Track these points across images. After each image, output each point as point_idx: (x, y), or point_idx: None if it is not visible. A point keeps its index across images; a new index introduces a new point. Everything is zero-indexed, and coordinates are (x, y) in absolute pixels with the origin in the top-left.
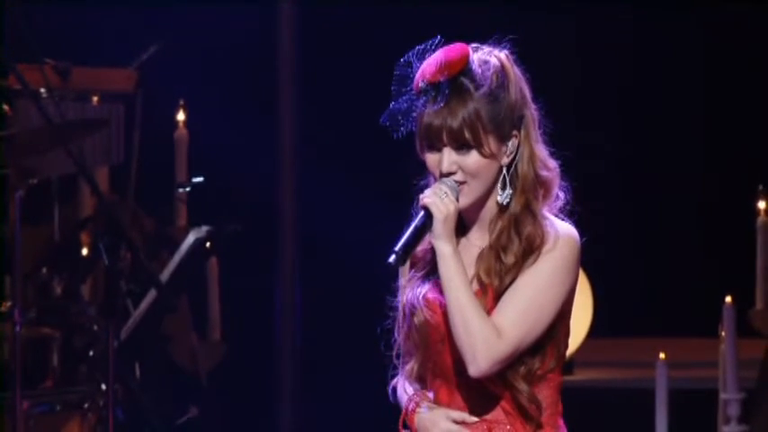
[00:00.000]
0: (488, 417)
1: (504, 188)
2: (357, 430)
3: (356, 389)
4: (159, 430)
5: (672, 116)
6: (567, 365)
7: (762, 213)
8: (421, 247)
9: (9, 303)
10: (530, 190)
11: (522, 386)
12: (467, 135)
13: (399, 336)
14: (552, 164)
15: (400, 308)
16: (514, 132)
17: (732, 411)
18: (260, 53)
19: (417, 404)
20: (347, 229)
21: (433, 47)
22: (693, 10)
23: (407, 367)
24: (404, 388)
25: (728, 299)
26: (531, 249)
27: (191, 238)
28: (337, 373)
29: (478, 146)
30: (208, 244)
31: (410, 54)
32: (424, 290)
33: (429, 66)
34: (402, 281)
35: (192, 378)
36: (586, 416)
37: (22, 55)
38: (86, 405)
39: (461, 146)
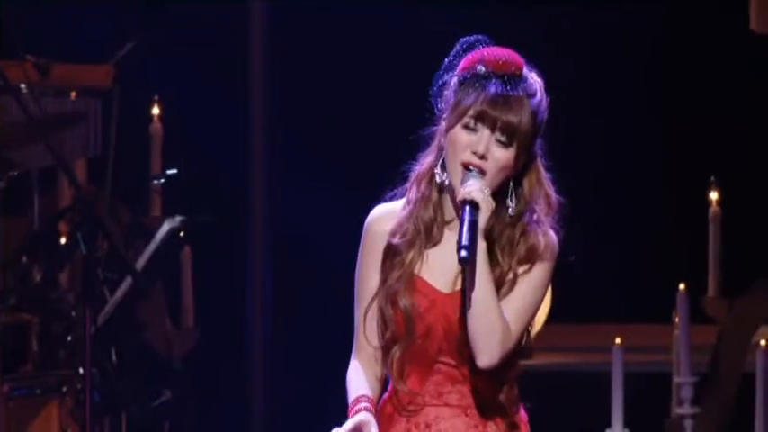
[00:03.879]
0: (462, 402)
1: (512, 199)
2: (328, 415)
3: (326, 375)
4: (134, 412)
5: (627, 106)
6: (526, 350)
7: (713, 204)
8: (396, 240)
9: None
10: (536, 203)
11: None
12: (517, 133)
13: (365, 323)
14: (550, 177)
15: (371, 294)
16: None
17: (685, 394)
18: (232, 48)
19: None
20: (318, 219)
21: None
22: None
23: (391, 356)
24: (355, 381)
25: (682, 286)
26: (528, 259)
27: (165, 227)
28: (307, 359)
29: (519, 146)
30: (181, 233)
31: (460, 46)
32: (410, 282)
33: (491, 55)
34: (365, 268)
35: (165, 362)
36: (544, 399)
37: (3, 52)
38: (64, 388)
39: (506, 139)
